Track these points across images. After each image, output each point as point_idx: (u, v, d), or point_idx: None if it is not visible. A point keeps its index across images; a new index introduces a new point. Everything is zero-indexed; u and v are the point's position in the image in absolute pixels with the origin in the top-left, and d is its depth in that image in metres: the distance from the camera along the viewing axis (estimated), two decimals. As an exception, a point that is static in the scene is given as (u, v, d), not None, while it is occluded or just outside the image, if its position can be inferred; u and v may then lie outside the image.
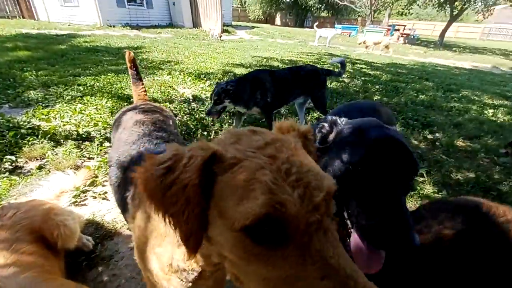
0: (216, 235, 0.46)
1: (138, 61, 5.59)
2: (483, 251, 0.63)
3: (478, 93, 5.39)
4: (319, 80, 2.89)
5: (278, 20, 30.94)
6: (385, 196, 0.69)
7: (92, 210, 1.77)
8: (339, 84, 5.12)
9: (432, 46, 15.26)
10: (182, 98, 3.77)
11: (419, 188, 2.26)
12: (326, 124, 0.91)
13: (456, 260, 0.66)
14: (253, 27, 19.11)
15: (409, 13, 19.16)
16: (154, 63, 5.62)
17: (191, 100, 3.74)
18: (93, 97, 3.41)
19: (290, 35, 16.15)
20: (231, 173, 0.44)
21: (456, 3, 14.74)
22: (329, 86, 4.86)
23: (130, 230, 1.45)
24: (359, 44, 11.78)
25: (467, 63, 10.26)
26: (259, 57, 7.47)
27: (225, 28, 14.25)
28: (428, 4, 15.94)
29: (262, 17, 29.50)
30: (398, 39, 16.06)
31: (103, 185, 2.00)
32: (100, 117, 2.93)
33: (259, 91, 2.62)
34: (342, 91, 4.66)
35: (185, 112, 3.27)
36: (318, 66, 3.30)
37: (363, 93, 4.67)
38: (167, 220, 0.45)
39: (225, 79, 4.59)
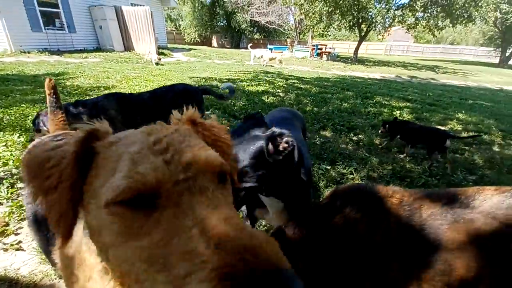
0: (91, 219, 0.44)
1: (61, 88, 5.03)
2: (369, 222, 0.79)
3: (387, 98, 6.43)
4: (193, 100, 2.71)
5: (214, 42, 31.77)
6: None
7: (4, 264, 1.48)
8: (275, 98, 5.50)
9: (349, 62, 17.72)
10: (115, 125, 3.51)
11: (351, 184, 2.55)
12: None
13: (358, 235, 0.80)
14: (190, 49, 19.19)
15: (328, 34, 22.08)
16: (80, 89, 5.12)
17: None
18: (2, 133, 2.93)
19: (227, 55, 16.74)
20: (109, 151, 0.43)
21: (362, 26, 17.69)
22: (266, 100, 5.18)
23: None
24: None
25: (377, 74, 12.20)
26: (197, 77, 7.51)
27: (160, 50, 13.97)
28: (341, 27, 18.73)
29: (198, 39, 29.87)
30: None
31: (16, 234, 1.70)
32: (11, 154, 2.51)
33: (101, 119, 2.40)
34: (278, 104, 5.02)
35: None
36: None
37: (297, 105, 5.11)
38: (40, 200, 0.42)
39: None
